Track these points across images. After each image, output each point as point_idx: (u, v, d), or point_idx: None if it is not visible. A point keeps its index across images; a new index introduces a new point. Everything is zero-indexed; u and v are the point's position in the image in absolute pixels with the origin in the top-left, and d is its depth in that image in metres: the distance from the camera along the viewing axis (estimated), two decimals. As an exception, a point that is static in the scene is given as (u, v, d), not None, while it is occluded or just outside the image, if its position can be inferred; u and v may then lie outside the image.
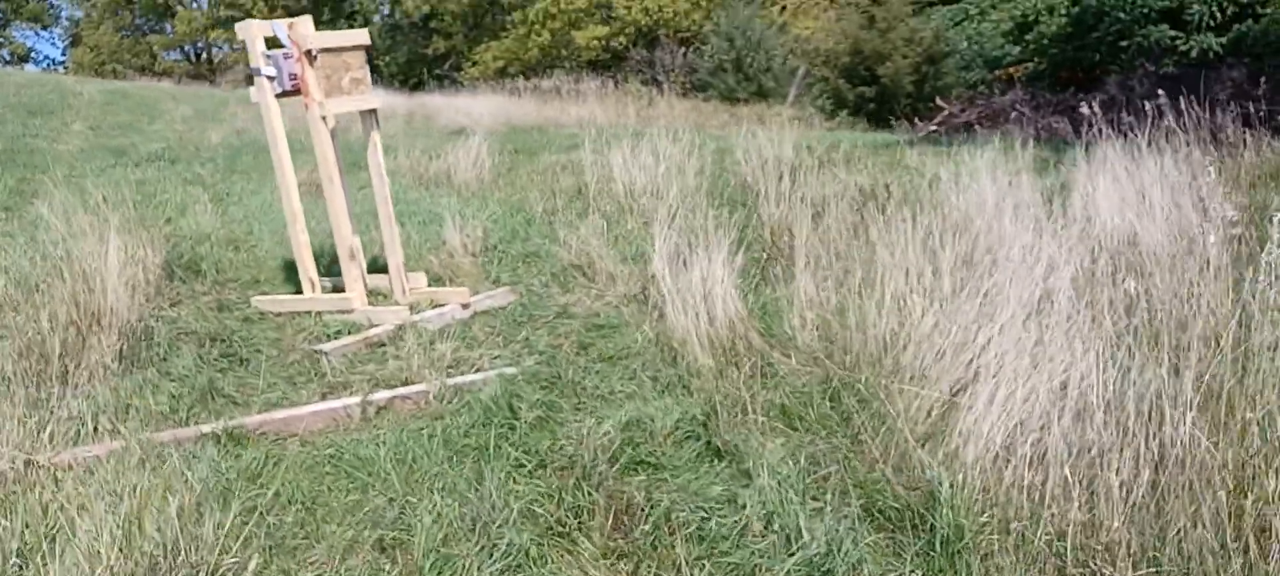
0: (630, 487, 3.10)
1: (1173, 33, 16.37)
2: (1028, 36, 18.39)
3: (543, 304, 5.32)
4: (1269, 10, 15.41)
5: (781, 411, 3.45)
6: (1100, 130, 8.29)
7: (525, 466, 3.29)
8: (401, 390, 4.11)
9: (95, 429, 3.76)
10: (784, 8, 22.75)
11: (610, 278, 5.48)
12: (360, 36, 5.13)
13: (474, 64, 33.33)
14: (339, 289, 5.50)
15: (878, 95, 16.45)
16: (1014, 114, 13.82)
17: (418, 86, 35.13)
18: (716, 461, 3.26)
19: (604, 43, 22.92)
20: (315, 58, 4.94)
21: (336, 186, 5.09)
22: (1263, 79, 12.59)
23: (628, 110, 17.64)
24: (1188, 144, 6.55)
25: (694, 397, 3.83)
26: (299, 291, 5.63)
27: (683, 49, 23.22)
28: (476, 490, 3.11)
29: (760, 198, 6.74)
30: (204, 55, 44.75)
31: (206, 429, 3.73)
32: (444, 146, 10.88)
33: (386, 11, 38.98)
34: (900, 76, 15.90)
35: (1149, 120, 6.86)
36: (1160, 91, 13.15)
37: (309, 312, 5.22)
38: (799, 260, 4.58)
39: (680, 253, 5.31)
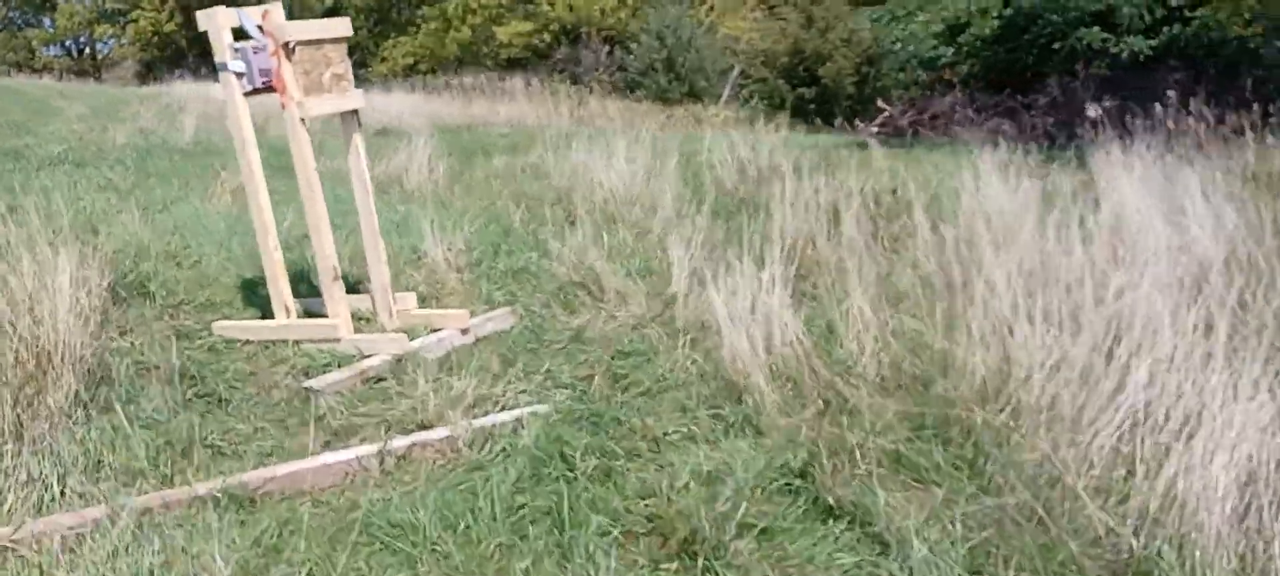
0: (748, 558, 2.62)
1: (1104, 35, 16.59)
2: (960, 38, 18.47)
3: (549, 327, 4.79)
4: (1198, 13, 15.72)
5: (896, 459, 3.01)
6: (1096, 131, 8.14)
7: (610, 533, 2.78)
8: (421, 436, 3.54)
9: (63, 492, 3.11)
10: (711, 8, 22.47)
11: (620, 297, 4.98)
12: (342, 26, 4.52)
13: (382, 60, 32.22)
14: (309, 313, 4.87)
15: (818, 96, 16.27)
16: (957, 116, 13.75)
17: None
18: (832, 522, 2.81)
19: (527, 39, 22.28)
20: (293, 51, 4.31)
21: (318, 196, 4.47)
22: (1204, 80, 12.78)
23: (560, 109, 17.08)
24: (1201, 146, 6.38)
25: (768, 438, 3.37)
26: (265, 316, 4.98)
27: (607, 47, 22.74)
28: (565, 568, 2.59)
29: (762, 204, 6.32)
30: (87, 51, 42.37)
31: (202, 490, 3.11)
32: (380, 148, 10.18)
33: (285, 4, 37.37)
34: (841, 77, 15.74)
35: (1157, 122, 6.71)
36: (1104, 95, 13.24)
37: (285, 342, 4.59)
38: (850, 276, 4.15)
39: (698, 267, 4.86)
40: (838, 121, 16.32)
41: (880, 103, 15.99)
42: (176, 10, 37.49)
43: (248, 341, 4.67)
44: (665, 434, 3.51)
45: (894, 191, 6.16)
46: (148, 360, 4.37)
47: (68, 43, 40.90)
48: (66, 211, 7.10)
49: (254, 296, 5.33)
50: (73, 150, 11.67)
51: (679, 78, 19.05)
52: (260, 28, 4.43)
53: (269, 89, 4.50)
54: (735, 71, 18.85)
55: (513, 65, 23.31)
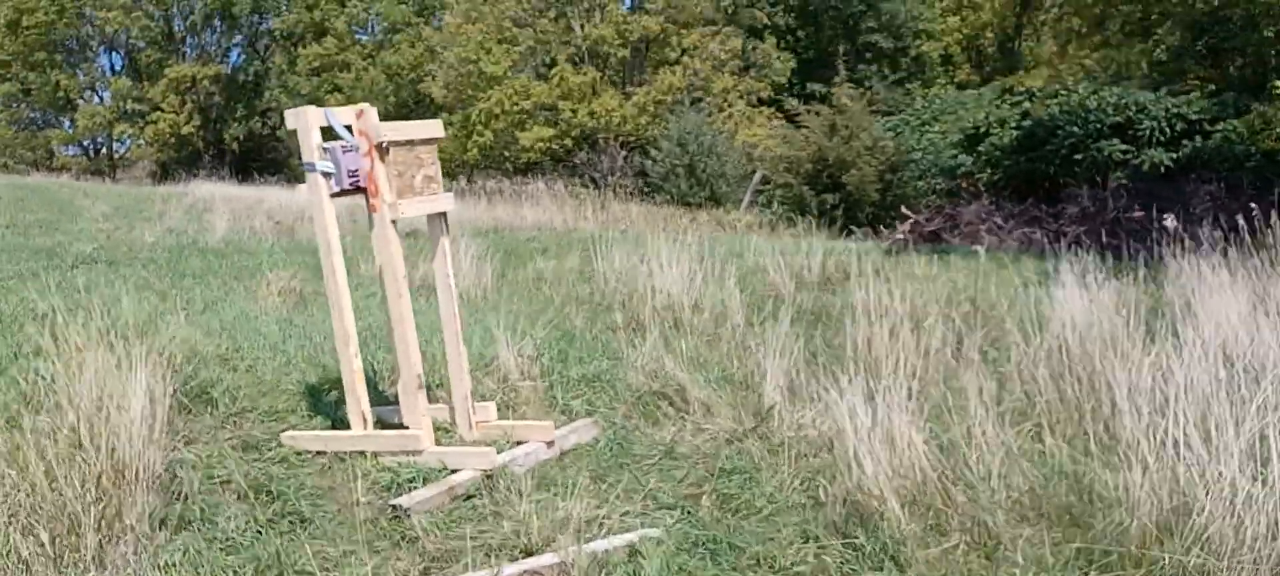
0: None
1: (1124, 147, 16.71)
2: (980, 147, 18.61)
3: (635, 440, 4.56)
4: (1220, 127, 15.84)
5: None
6: (1156, 241, 8.00)
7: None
8: (532, 563, 3.29)
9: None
10: (730, 116, 22.72)
11: (705, 408, 4.75)
12: (434, 128, 4.40)
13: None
14: (383, 423, 4.63)
15: (841, 202, 16.26)
16: (986, 223, 13.71)
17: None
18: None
19: (547, 144, 22.47)
20: (387, 151, 4.18)
21: (406, 301, 4.28)
22: (1238, 192, 12.72)
23: (584, 212, 17.06)
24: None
25: (909, 572, 3.12)
26: (334, 425, 4.76)
27: (624, 151, 22.91)
28: None
29: (832, 312, 6.15)
30: (103, 150, 42.81)
31: (307, 626, 2.85)
32: (412, 250, 10.06)
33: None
34: (865, 184, 15.75)
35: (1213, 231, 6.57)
36: (1134, 205, 13.22)
37: (361, 454, 4.35)
38: (970, 394, 3.94)
39: (793, 378, 4.66)
40: (862, 228, 16.27)
41: (904, 209, 15.96)
42: (195, 112, 38.01)
43: (320, 452, 4.43)
44: (793, 565, 3.26)
45: (973, 301, 5.99)
46: (218, 473, 4.13)
47: (86, 143, 41.35)
48: (108, 312, 6.93)
49: (319, 403, 5.11)
50: (104, 249, 11.55)
51: (700, 182, 19.11)
52: (349, 128, 4.31)
53: (356, 190, 4.36)
54: (756, 177, 18.91)
55: (531, 168, 23.46)
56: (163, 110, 37.89)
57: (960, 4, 33.13)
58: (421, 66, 32.60)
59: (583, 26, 23.41)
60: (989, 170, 17.86)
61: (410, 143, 4.27)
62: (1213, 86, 13.97)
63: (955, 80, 32.72)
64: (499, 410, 4.98)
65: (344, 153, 4.30)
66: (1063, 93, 18.42)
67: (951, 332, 5.45)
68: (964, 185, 17.58)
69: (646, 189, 21.32)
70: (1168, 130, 16.49)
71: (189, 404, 4.84)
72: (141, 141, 39.76)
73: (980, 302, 6.08)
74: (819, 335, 5.71)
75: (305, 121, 4.25)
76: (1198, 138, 16.34)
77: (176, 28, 40.93)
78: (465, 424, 4.56)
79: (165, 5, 39.46)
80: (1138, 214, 13.35)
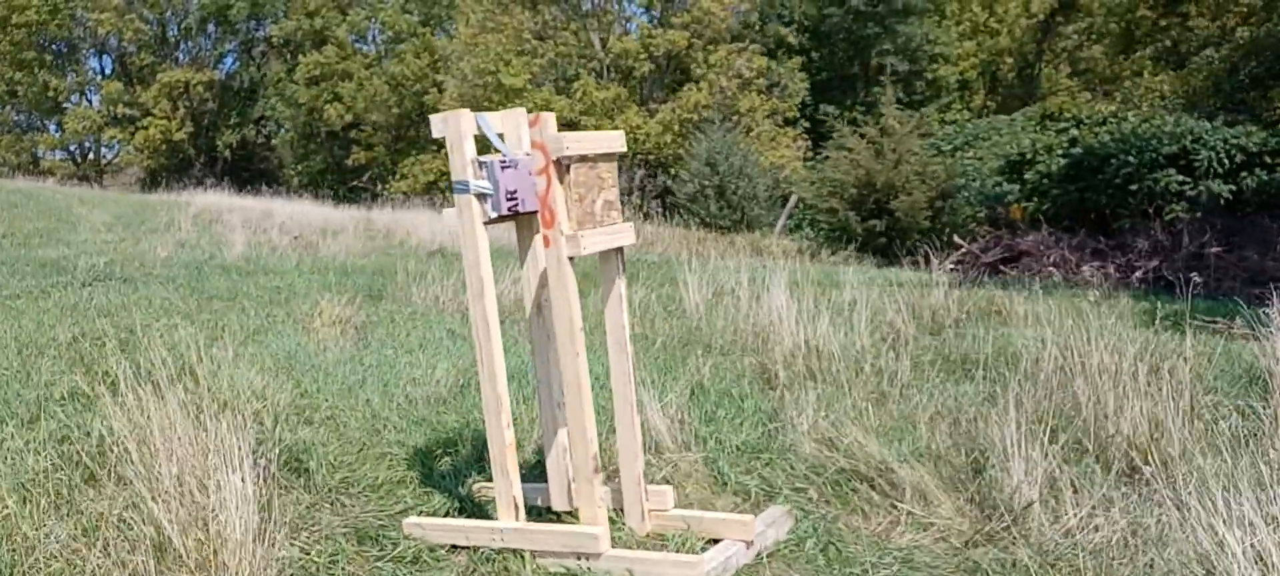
0: None
1: (1181, 178, 16.01)
2: (1026, 176, 17.86)
3: (843, 537, 3.65)
4: (1283, 160, 15.15)
5: None
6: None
7: None
8: None
9: None
10: (757, 136, 21.91)
11: (920, 495, 3.85)
12: (616, 140, 3.49)
13: (402, 177, 31.56)
14: (533, 510, 3.70)
15: (887, 229, 15.45)
16: (1051, 256, 12.91)
17: (339, 199, 33.21)
18: None
19: (563, 162, 21.39)
20: (568, 170, 3.27)
21: (582, 361, 3.36)
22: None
23: (615, 235, 16.15)
24: None
25: None
26: (462, 507, 3.84)
27: (642, 170, 22.04)
28: None
29: (985, 362, 5.28)
30: (90, 156, 41.58)
31: None
32: (434, 273, 9.13)
33: (301, 118, 36.91)
34: (916, 211, 14.94)
35: None
36: (1213, 241, 12.44)
37: (513, 552, 3.42)
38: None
39: (1044, 465, 3.78)
40: (909, 257, 15.42)
41: (956, 238, 15.17)
42: (188, 118, 36.92)
43: (457, 546, 3.50)
44: None
45: (1183, 358, 5.11)
46: (343, 580, 3.20)
47: (72, 148, 40.10)
48: (136, 343, 5.98)
49: (429, 473, 4.18)
50: (114, 264, 10.56)
51: (730, 205, 18.26)
52: (502, 137, 3.41)
53: (512, 216, 3.46)
54: (792, 200, 18.08)
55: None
56: (154, 116, 36.80)
57: (976, 28, 32.56)
58: (427, 77, 31.71)
59: (605, 40, 22.57)
60: (1036, 199, 17.10)
61: (592, 158, 3.36)
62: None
63: (970, 105, 32.10)
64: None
65: (502, 169, 3.39)
66: (1112, 121, 17.72)
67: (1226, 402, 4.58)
68: (1011, 214, 16.81)
69: (666, 210, 20.45)
70: (1226, 161, 15.79)
71: (281, 476, 3.90)
72: (131, 147, 38.55)
73: (1169, 352, 5.20)
74: (1009, 393, 4.82)
75: (457, 128, 3.34)
76: (1259, 170, 15.64)
77: (170, 32, 39.87)
78: (637, 514, 3.63)
79: (159, 9, 38.41)
80: (1214, 249, 12.59)
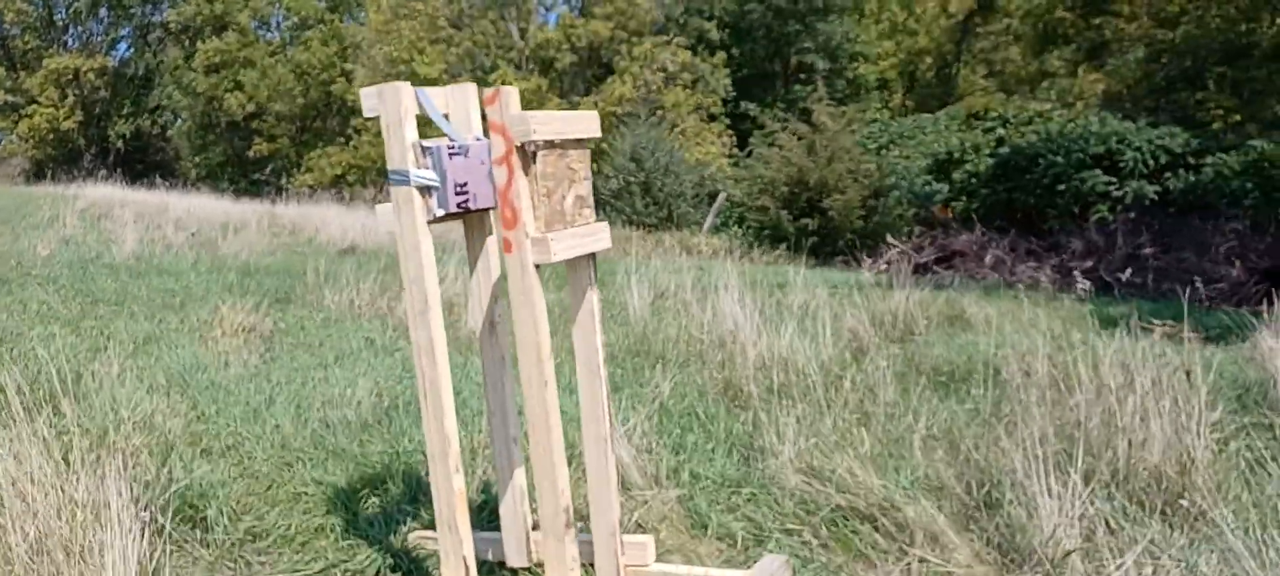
0: None
1: (1107, 179, 16.04)
2: (955, 175, 17.74)
3: (852, 591, 3.11)
4: (1209, 160, 15.26)
5: None
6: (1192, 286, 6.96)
7: None
8: None
9: None
10: (682, 132, 21.40)
11: (930, 538, 3.33)
12: (589, 123, 2.87)
13: (307, 171, 30.29)
14: (483, 566, 3.06)
15: (819, 228, 15.11)
16: (988, 257, 12.69)
17: (240, 192, 31.84)
18: None
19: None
20: (534, 159, 2.65)
21: (552, 391, 2.74)
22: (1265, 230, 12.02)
23: (538, 233, 15.45)
24: None
25: None
26: (395, 561, 3.19)
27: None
28: None
29: (971, 371, 4.83)
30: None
31: None
32: (345, 273, 8.38)
33: (199, 107, 35.21)
34: (849, 210, 14.62)
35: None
36: (1148, 243, 12.36)
37: (465, 625, 2.79)
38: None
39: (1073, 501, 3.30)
40: (841, 256, 15.14)
41: (890, 238, 14.90)
42: (77, 107, 34.90)
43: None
44: None
45: (1188, 373, 4.71)
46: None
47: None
48: (13, 358, 5.15)
49: (353, 517, 3.51)
50: (-14, 263, 9.51)
51: (656, 202, 17.71)
52: (449, 119, 2.78)
53: (461, 214, 2.83)
54: (720, 198, 17.63)
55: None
56: (40, 104, 34.67)
57: (895, 27, 32.70)
58: (335, 66, 30.49)
59: (524, 30, 21.81)
60: (965, 198, 16.99)
61: (562, 144, 2.74)
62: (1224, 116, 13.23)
63: (889, 105, 32.23)
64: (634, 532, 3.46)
65: (450, 156, 2.76)
66: (1038, 120, 17.72)
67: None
68: (938, 214, 16.66)
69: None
70: (1151, 162, 15.88)
71: (173, 529, 3.18)
72: (14, 137, 36.27)
73: (1163, 364, 4.81)
74: (1004, 411, 4.35)
75: (396, 106, 2.69)
76: (1183, 171, 15.75)
77: (58, 15, 37.62)
78: (612, 571, 3.02)
79: (45, -11, 36.21)
80: (1149, 250, 12.53)
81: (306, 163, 30.11)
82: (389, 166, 2.73)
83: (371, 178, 26.12)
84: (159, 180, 25.35)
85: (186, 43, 36.45)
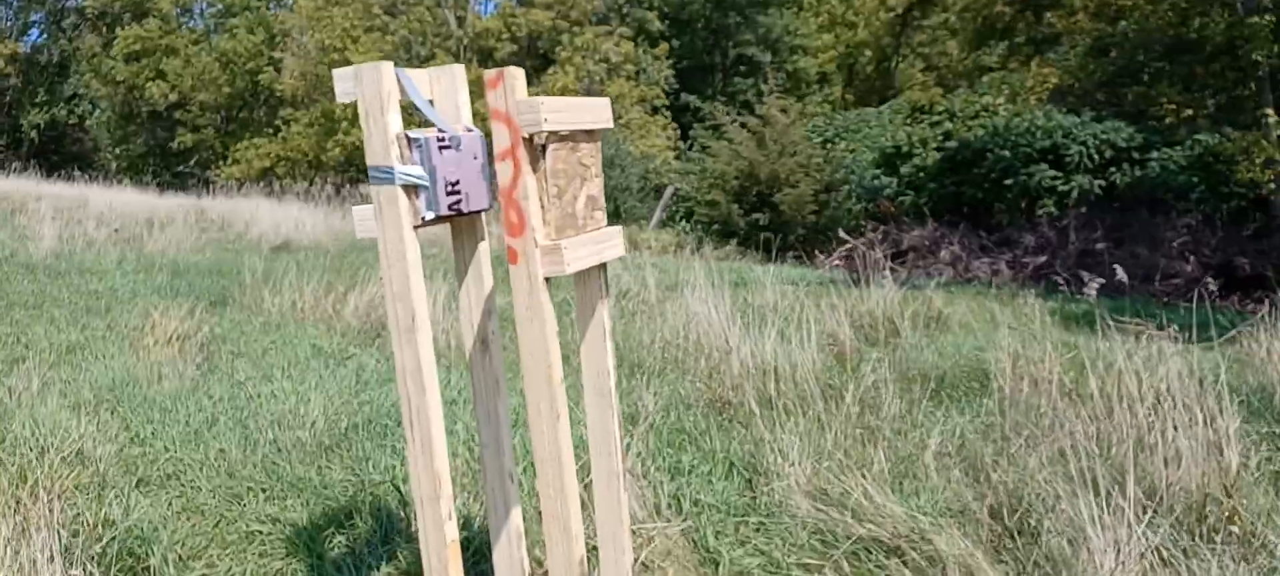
0: None
1: (1053, 173, 16.07)
2: (903, 169, 17.65)
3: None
4: (1154, 155, 15.36)
5: None
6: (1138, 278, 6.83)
7: None
8: None
9: None
10: (627, 124, 21.01)
11: (966, 573, 3.02)
12: (602, 111, 2.48)
13: (234, 162, 29.25)
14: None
15: (771, 224, 14.86)
16: (944, 253, 12.56)
17: (164, 185, 30.65)
18: None
19: (419, 147, 19.94)
20: (545, 153, 2.26)
21: (564, 426, 2.35)
22: (1214, 225, 12.07)
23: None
24: None
25: None
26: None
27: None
28: None
29: (959, 385, 4.55)
30: None
31: None
32: (280, 269, 7.87)
33: (119, 97, 33.79)
34: (802, 205, 14.40)
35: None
36: (1101, 238, 12.33)
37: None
38: None
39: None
40: (793, 252, 14.91)
41: (842, 233, 14.72)
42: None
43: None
44: None
45: (1202, 381, 4.48)
46: None
47: None
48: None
49: (320, 562, 3.08)
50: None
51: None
52: (434, 105, 2.38)
53: (453, 216, 2.44)
54: (668, 192, 17.28)
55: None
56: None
57: (835, 21, 32.69)
58: (262, 54, 29.47)
59: (462, 18, 21.20)
60: (913, 193, 16.90)
61: (572, 136, 2.35)
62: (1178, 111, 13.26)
63: (830, 99, 32.24)
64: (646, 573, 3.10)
65: (440, 149, 2.36)
66: (984, 114, 17.72)
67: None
68: (885, 208, 16.54)
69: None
70: (1096, 156, 15.94)
71: (104, 586, 2.73)
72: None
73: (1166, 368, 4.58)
74: (1009, 420, 4.07)
75: (377, 89, 2.28)
76: (1127, 165, 15.84)
77: (-36, -2, 35.79)
78: (622, 622, 2.65)
79: (-49, -30, 34.40)
80: (1100, 245, 12.51)
81: (233, 154, 29.06)
82: (369, 161, 2.32)
83: (302, 171, 25.26)
84: (77, 173, 24.15)
85: (104, 29, 34.94)
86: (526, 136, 2.22)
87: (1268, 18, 10.59)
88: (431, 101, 2.51)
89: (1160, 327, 7.11)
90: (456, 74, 2.54)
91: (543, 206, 2.26)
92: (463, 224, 2.58)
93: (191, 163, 33.31)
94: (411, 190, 2.32)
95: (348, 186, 20.78)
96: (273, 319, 6.78)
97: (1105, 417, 4.10)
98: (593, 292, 2.54)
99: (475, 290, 2.62)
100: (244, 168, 28.27)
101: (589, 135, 2.45)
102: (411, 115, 2.46)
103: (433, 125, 2.44)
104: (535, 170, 2.25)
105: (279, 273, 7.92)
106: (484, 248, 2.60)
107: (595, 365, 2.58)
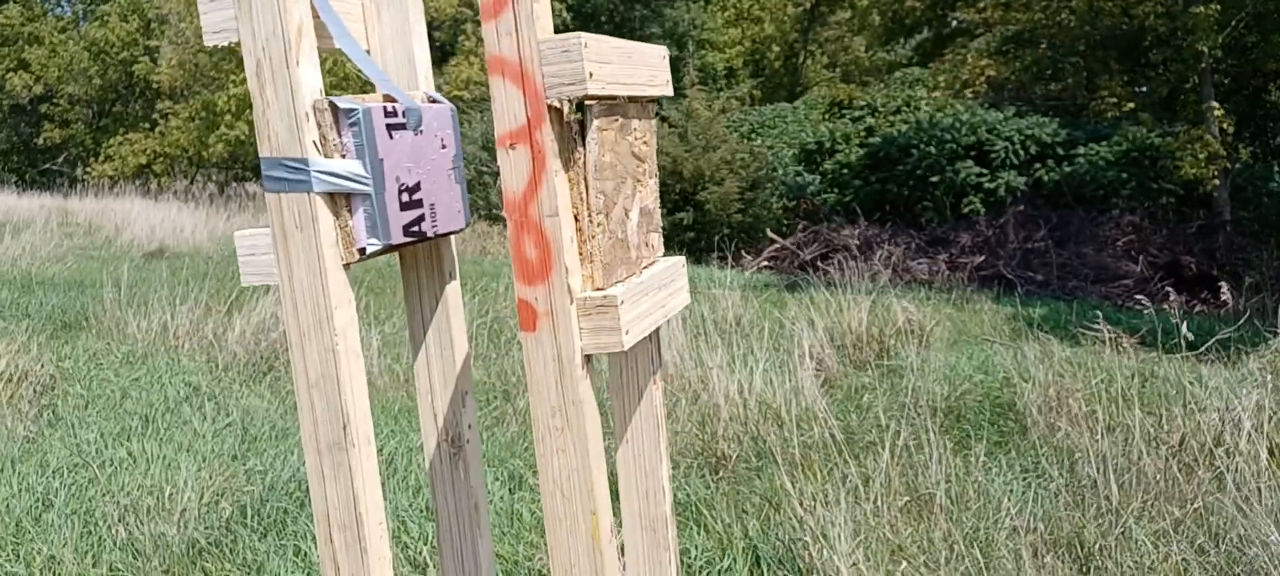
0: None
1: (979, 170, 15.64)
2: (826, 165, 17.03)
3: None
4: (1080, 151, 15.05)
5: None
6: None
7: None
8: None
9: None
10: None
11: None
12: (658, 65, 1.51)
13: (107, 159, 27.10)
14: None
15: (696, 222, 14.02)
16: (880, 254, 11.89)
17: (27, 184, 28.24)
18: None
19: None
20: (584, 133, 1.28)
21: (611, 561, 1.38)
22: (1160, 221, 11.67)
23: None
24: None
25: None
26: None
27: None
28: None
29: (1020, 422, 3.74)
30: None
31: None
32: (148, 279, 6.66)
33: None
34: (728, 203, 13.60)
35: None
36: (1042, 237, 11.84)
37: None
38: None
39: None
40: (718, 253, 14.10)
41: (771, 233, 13.97)
42: None
43: None
44: None
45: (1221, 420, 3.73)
46: None
47: None
48: None
49: None
50: None
51: (511, 195, 16.11)
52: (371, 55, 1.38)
53: (413, 241, 1.44)
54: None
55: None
56: None
57: (740, 15, 32.14)
58: (137, 43, 27.33)
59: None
60: (836, 190, 16.29)
61: (623, 108, 1.37)
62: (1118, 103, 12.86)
63: (737, 94, 31.67)
64: None
65: (390, 130, 1.36)
66: (906, 110, 17.22)
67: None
68: (808, 206, 15.88)
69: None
70: (1022, 153, 15.57)
71: None
72: None
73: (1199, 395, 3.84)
74: (1086, 481, 3.25)
75: (275, 21, 1.26)
76: (1052, 161, 15.52)
77: None
78: None
79: None
80: (1040, 243, 12.03)
81: (105, 151, 26.90)
82: (263, 152, 1.31)
83: (182, 167, 23.45)
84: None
85: (-42, 15, 32.06)
86: (555, 105, 1.24)
87: (1213, 7, 10.19)
88: (369, 51, 1.51)
89: (1130, 333, 6.52)
90: (410, 7, 1.54)
91: (581, 229, 1.29)
92: (422, 254, 1.59)
93: (60, 160, 30.89)
94: (340, 201, 1.32)
95: (232, 183, 19.25)
96: (138, 348, 5.57)
97: (1197, 468, 3.33)
98: (640, 366, 1.58)
99: (440, 360, 1.62)
100: (118, 165, 26.19)
101: (642, 108, 1.48)
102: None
103: (375, 89, 1.45)
104: (568, 166, 1.27)
105: (150, 286, 6.69)
106: (454, 293, 1.61)
107: (643, 481, 1.62)
